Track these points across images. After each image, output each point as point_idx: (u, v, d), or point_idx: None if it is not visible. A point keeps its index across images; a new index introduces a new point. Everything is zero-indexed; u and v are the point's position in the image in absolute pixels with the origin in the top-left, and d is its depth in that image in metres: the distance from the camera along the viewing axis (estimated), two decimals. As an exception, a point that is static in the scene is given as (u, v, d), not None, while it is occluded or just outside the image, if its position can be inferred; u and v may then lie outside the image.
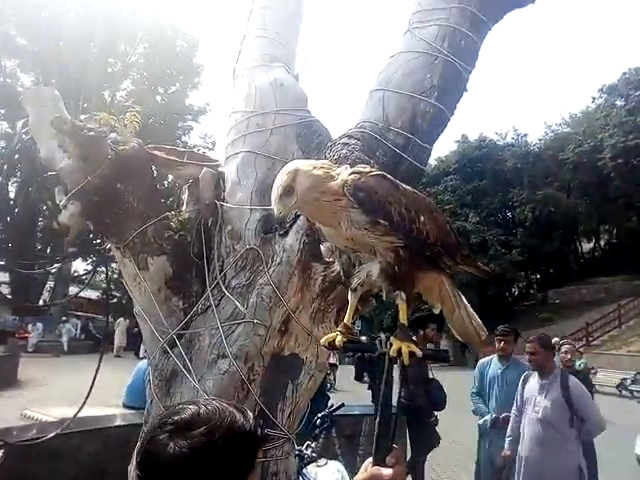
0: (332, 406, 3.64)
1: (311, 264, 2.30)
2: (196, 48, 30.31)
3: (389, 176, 1.20)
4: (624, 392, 16.69)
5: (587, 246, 37.89)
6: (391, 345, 1.09)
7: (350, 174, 1.12)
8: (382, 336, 1.13)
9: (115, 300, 22.06)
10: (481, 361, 5.30)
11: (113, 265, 4.26)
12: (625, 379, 16.87)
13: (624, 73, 32.60)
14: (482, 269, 1.40)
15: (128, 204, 2.56)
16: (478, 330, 1.26)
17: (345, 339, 1.16)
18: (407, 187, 1.21)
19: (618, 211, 30.87)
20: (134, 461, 0.98)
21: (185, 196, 2.87)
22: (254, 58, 2.83)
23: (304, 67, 2.98)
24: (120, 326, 22.53)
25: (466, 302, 1.28)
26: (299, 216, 2.29)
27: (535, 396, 4.05)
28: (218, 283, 2.37)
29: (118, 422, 4.14)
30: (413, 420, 5.08)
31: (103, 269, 3.73)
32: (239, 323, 2.24)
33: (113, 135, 2.50)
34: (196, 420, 0.97)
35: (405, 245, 1.11)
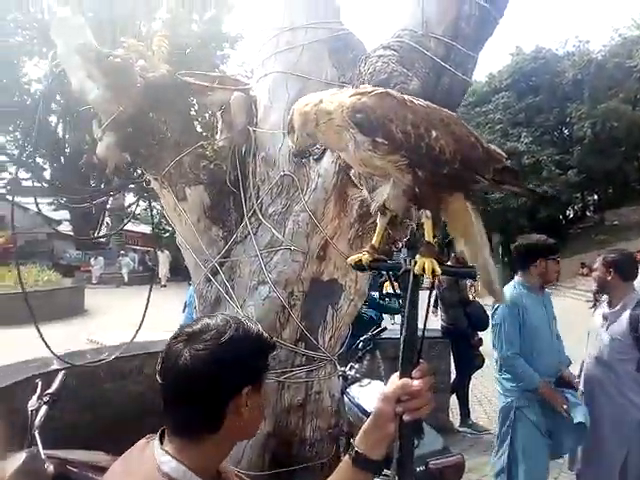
0: (375, 329, 3.71)
1: (347, 189, 2.23)
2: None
3: (395, 93, 1.12)
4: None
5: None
6: (415, 263, 1.05)
7: (350, 96, 1.09)
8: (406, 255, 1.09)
9: (167, 234, 22.99)
10: (511, 293, 3.29)
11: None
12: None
13: None
14: (525, 188, 1.29)
15: (162, 134, 2.53)
16: (497, 282, 1.21)
17: (371, 258, 1.13)
18: (420, 102, 1.12)
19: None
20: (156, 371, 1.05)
21: (219, 123, 2.81)
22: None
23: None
24: (162, 258, 23.45)
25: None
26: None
27: (598, 330, 3.31)
28: (255, 211, 2.35)
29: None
30: (456, 343, 5.14)
31: (153, 204, 3.79)
32: (277, 250, 2.24)
33: (141, 62, 2.43)
34: (206, 329, 1.02)
35: (418, 164, 1.04)
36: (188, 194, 2.54)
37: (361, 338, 3.52)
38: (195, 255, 2.55)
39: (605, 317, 3.30)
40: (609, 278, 3.26)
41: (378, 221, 1.19)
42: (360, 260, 1.14)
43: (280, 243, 2.23)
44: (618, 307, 3.22)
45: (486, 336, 5.60)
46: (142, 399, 3.82)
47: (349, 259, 1.16)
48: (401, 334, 1.03)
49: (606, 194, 34.46)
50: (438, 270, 1.04)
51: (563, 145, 32.16)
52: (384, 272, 1.18)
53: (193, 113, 3.02)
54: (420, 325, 1.03)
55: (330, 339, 2.32)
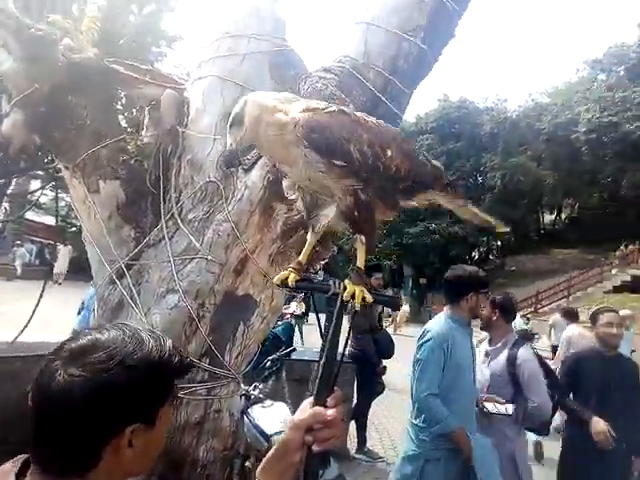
0: (284, 349, 3.66)
1: (274, 204, 2.19)
2: (176, -33, 28.08)
3: (348, 110, 1.09)
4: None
5: (549, 217, 39.02)
6: (345, 287, 1.03)
7: (302, 111, 1.02)
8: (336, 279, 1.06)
9: (74, 229, 21.37)
10: (440, 326, 3.09)
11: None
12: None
13: (610, 47, 32.53)
14: (472, 212, 1.32)
15: (81, 120, 2.35)
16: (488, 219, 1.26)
17: (298, 277, 1.09)
18: (371, 119, 1.11)
19: (582, 186, 31.64)
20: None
21: (145, 119, 2.67)
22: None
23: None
24: (62, 252, 21.63)
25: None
26: (265, 151, 2.15)
27: (480, 365, 3.34)
28: (173, 215, 2.24)
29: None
30: (361, 369, 5.22)
31: (61, 194, 3.48)
32: (192, 258, 2.14)
33: (67, 41, 2.25)
34: (94, 346, 0.85)
35: (364, 187, 1.02)
36: (102, 187, 2.37)
37: (269, 357, 3.45)
38: (101, 254, 2.36)
39: (487, 354, 3.44)
40: (494, 318, 3.42)
41: (308, 237, 1.16)
42: (286, 277, 1.09)
43: (197, 251, 2.13)
44: (499, 345, 3.38)
45: (390, 364, 5.78)
46: (23, 406, 3.42)
47: (275, 278, 1.11)
48: (320, 358, 0.99)
49: (508, 241, 37.41)
50: (369, 298, 1.02)
51: (476, 191, 34.61)
52: (306, 293, 1.14)
53: (120, 107, 2.83)
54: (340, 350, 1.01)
55: (237, 356, 2.24)
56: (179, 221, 2.22)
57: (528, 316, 15.38)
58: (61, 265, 21.57)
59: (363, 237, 1.06)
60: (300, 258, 1.13)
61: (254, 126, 1.01)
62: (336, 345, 1.00)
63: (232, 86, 2.36)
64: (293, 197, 2.08)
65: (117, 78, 2.44)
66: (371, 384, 5.32)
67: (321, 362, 0.98)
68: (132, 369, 0.84)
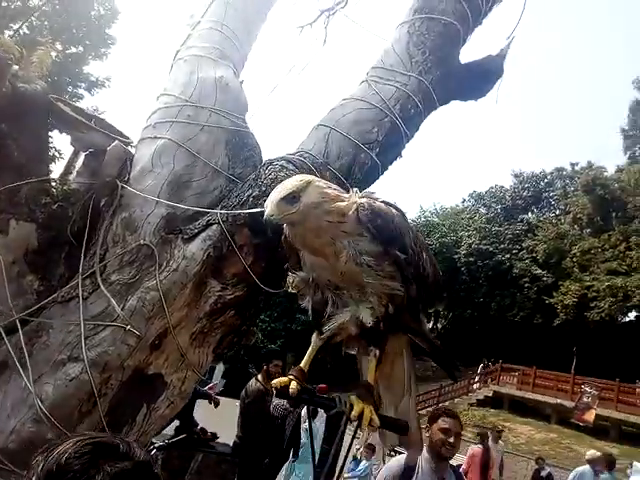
0: (172, 437, 3.30)
1: (208, 280, 2.09)
2: (115, 18, 28.06)
3: (393, 204, 1.09)
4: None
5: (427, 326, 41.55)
6: (351, 405, 0.95)
7: (362, 197, 1.00)
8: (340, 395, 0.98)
9: None
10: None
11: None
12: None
13: (491, 187, 37.59)
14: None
15: (6, 150, 2.13)
16: (417, 431, 1.16)
17: (299, 387, 0.99)
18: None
19: (458, 301, 34.56)
20: None
21: (78, 164, 2.49)
22: (204, 48, 2.62)
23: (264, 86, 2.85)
24: None
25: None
26: (212, 224, 2.08)
27: None
28: (94, 273, 2.02)
29: None
30: (244, 463, 4.81)
31: None
32: (107, 325, 1.91)
33: (16, 68, 2.09)
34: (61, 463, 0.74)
35: (404, 292, 0.99)
36: (12, 228, 2.11)
37: (155, 444, 3.07)
38: (-9, 302, 2.03)
39: None
40: None
41: (312, 341, 1.08)
42: (286, 385, 0.99)
43: (114, 318, 1.92)
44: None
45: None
46: None
47: (274, 381, 1.00)
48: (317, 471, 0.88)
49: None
50: (377, 422, 0.95)
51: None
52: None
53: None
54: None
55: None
56: (99, 280, 2.00)
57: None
58: None
59: (378, 351, 1.00)
60: (302, 365, 1.04)
61: (309, 210, 0.98)
62: (336, 461, 0.91)
63: (185, 154, 2.30)
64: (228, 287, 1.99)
65: (61, 118, 2.28)
66: (251, 482, 4.88)
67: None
68: None
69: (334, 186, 1.06)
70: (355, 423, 0.95)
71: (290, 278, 1.20)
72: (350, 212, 0.98)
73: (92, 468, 0.75)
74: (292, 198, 0.99)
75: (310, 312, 1.11)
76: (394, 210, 1.04)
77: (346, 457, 0.98)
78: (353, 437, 0.98)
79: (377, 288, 0.99)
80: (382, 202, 1.04)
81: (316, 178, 1.05)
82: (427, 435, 2.77)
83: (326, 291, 1.06)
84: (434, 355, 1.31)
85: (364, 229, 0.96)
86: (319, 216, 0.98)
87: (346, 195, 1.03)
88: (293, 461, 5.70)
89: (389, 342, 1.09)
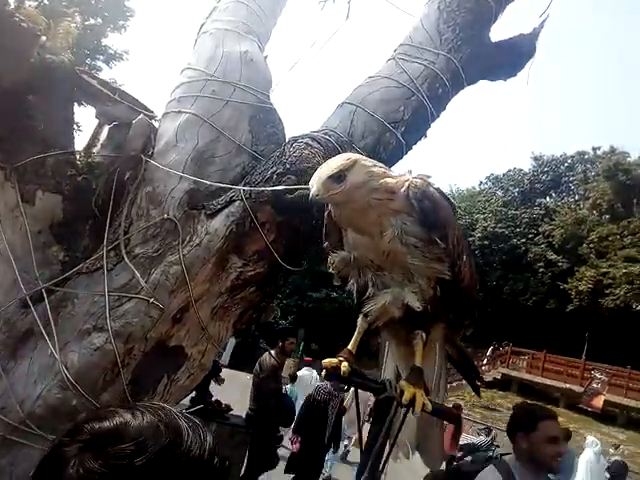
0: (188, 407, 3.37)
1: (230, 256, 2.10)
2: (134, -10, 27.76)
3: (449, 198, 1.08)
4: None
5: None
6: (402, 390, 0.94)
7: (415, 178, 0.99)
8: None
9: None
10: None
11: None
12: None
13: (509, 170, 37.04)
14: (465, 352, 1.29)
15: (33, 121, 2.14)
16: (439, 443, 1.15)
17: (350, 369, 0.98)
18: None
19: (471, 285, 34.56)
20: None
21: (102, 137, 2.50)
22: (230, 21, 2.59)
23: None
24: None
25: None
26: (235, 201, 2.08)
27: None
28: (118, 245, 2.05)
29: None
30: (257, 434, 4.93)
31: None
32: (131, 297, 1.94)
33: (44, 39, 2.08)
34: (121, 433, 0.68)
35: (450, 280, 0.98)
36: (38, 198, 2.14)
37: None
38: (17, 270, 2.07)
39: None
40: None
41: (358, 324, 1.08)
42: (336, 366, 0.98)
43: (138, 290, 1.95)
44: None
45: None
46: None
47: (324, 361, 1.00)
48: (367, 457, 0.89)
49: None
50: (429, 406, 0.94)
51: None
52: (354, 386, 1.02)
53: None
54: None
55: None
56: (123, 253, 2.03)
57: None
58: None
59: (425, 334, 1.00)
60: (349, 347, 1.04)
61: (355, 188, 0.97)
62: (384, 447, 0.91)
63: (209, 129, 2.30)
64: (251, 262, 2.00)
65: (87, 90, 2.28)
66: (265, 453, 5.01)
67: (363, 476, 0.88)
68: (164, 469, 0.67)
69: (380, 164, 1.04)
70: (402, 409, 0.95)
71: (331, 258, 1.19)
72: (401, 190, 0.96)
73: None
74: (338, 177, 0.99)
75: (355, 295, 1.10)
76: (445, 201, 1.03)
77: (394, 443, 0.98)
78: (402, 423, 0.98)
79: (423, 271, 0.98)
80: (436, 189, 1.03)
81: (362, 157, 1.04)
82: (524, 446, 2.21)
83: (367, 272, 1.05)
84: (460, 364, 1.29)
85: (411, 208, 0.94)
86: (366, 194, 0.97)
87: (395, 173, 1.02)
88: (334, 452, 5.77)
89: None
